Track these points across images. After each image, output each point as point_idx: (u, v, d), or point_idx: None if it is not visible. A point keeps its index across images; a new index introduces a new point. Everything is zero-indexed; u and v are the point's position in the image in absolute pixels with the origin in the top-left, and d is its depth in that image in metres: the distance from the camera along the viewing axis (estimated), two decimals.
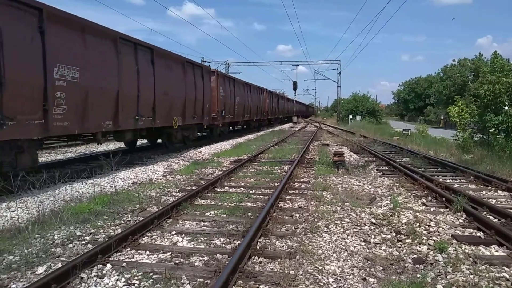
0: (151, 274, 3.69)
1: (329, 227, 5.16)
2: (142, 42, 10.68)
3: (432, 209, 6.20)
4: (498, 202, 6.74)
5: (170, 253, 4.24)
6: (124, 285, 3.47)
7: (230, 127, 23.69)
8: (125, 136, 10.62)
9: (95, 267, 3.76)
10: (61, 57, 7.32)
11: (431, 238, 4.77)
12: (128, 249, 4.31)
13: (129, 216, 5.69)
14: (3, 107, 6.12)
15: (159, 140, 14.46)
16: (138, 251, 4.27)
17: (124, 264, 3.87)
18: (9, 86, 6.18)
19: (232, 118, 20.87)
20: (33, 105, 6.75)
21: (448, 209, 6.11)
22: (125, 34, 9.79)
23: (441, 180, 8.37)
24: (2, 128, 6.07)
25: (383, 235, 4.92)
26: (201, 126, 16.01)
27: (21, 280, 3.54)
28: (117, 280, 3.54)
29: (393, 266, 3.99)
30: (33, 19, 6.70)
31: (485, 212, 5.84)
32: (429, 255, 4.25)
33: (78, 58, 7.82)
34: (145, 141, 15.22)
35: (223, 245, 4.54)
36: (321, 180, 8.48)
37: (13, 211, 5.58)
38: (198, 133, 16.72)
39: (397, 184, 8.12)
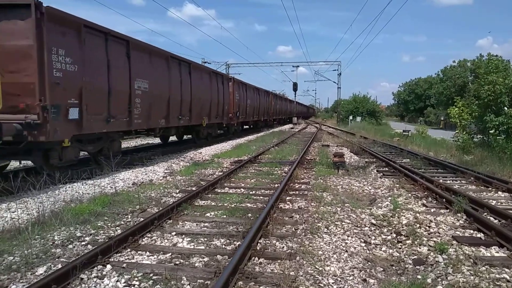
0: (151, 275, 3.68)
1: (329, 228, 5.16)
2: (184, 58, 13.86)
3: (432, 210, 6.19)
4: (499, 203, 6.73)
5: (170, 254, 4.24)
6: (124, 286, 3.46)
7: (241, 127, 26.31)
8: (171, 131, 14.12)
9: (95, 268, 3.76)
10: (138, 73, 10.27)
11: (431, 239, 4.76)
12: (128, 250, 4.31)
13: (129, 217, 5.69)
14: (110, 109, 9.01)
15: (185, 137, 17.57)
16: (138, 252, 4.27)
17: (124, 265, 3.87)
18: (113, 95, 9.07)
19: (244, 118, 24.27)
20: (123, 107, 9.73)
21: (448, 210, 6.11)
22: (173, 53, 12.95)
23: (441, 181, 8.36)
24: (108, 123, 9.04)
25: (384, 236, 4.92)
26: (221, 124, 19.42)
27: (21, 281, 3.54)
28: (117, 281, 3.54)
29: (394, 267, 3.99)
30: (123, 48, 9.71)
31: (486, 213, 5.83)
32: (429, 256, 4.24)
33: (147, 73, 10.78)
34: (164, 139, 16.89)
35: (223, 246, 4.54)
36: (321, 181, 8.48)
37: (13, 212, 5.58)
38: (218, 131, 19.86)
39: (397, 185, 8.12)
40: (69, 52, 7.59)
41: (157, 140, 17.25)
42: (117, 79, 9.22)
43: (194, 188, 7.54)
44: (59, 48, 7.33)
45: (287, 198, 6.80)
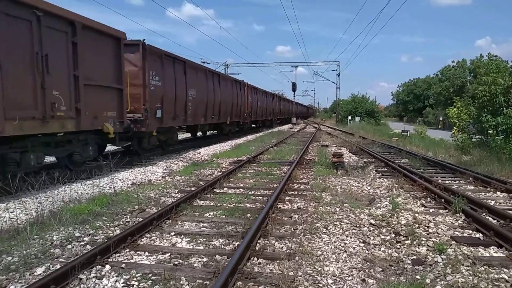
0: (150, 275, 3.68)
1: (328, 228, 5.16)
2: (215, 71, 19.37)
3: (431, 210, 6.20)
4: (497, 204, 6.75)
5: (169, 254, 4.24)
6: (123, 286, 3.46)
7: (251, 125, 29.95)
8: (206, 127, 18.65)
9: (94, 268, 3.76)
10: (190, 84, 14.46)
11: (430, 239, 4.77)
12: (127, 250, 4.30)
13: (128, 217, 5.69)
14: (176, 110, 13.08)
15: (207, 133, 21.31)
16: (137, 252, 4.26)
17: (123, 265, 3.86)
18: (177, 100, 13.15)
19: (255, 118, 28.31)
20: (182, 109, 13.80)
21: (447, 210, 6.11)
22: (209, 68, 19.29)
23: (440, 181, 8.38)
24: (174, 120, 13.05)
25: (382, 236, 4.92)
26: (239, 123, 23.41)
27: (19, 281, 3.53)
28: (116, 281, 3.53)
29: (392, 267, 3.99)
30: (182, 67, 13.81)
31: (484, 214, 5.84)
32: (428, 256, 4.25)
33: (195, 84, 15.01)
34: (188, 135, 20.46)
35: (222, 246, 4.54)
36: (320, 181, 8.48)
37: (11, 212, 5.58)
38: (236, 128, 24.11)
39: (396, 185, 8.13)
40: (157, 72, 11.48)
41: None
42: (179, 89, 13.33)
43: (193, 188, 7.53)
44: (153, 70, 11.19)
45: (286, 198, 6.80)
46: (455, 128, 15.18)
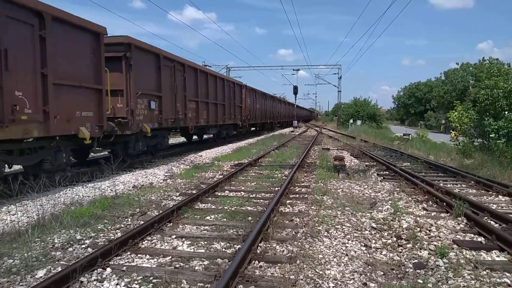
0: (151, 278, 3.67)
1: (330, 231, 5.15)
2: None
3: (433, 214, 6.19)
4: (499, 207, 6.73)
5: (170, 257, 4.23)
6: None
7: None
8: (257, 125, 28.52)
9: (95, 271, 3.75)
10: (253, 100, 25.88)
11: (432, 243, 4.75)
12: (128, 253, 4.30)
13: (129, 220, 5.69)
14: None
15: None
16: (138, 255, 4.26)
17: (124, 268, 3.86)
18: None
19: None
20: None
21: (449, 214, 6.10)
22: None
23: (441, 185, 8.35)
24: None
25: (384, 240, 4.91)
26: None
27: (20, 284, 3.53)
28: (117, 284, 3.53)
29: (394, 271, 3.98)
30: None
31: (486, 217, 5.82)
32: (430, 260, 4.23)
33: (256, 100, 27.22)
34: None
35: (223, 249, 4.53)
36: (322, 184, 8.47)
37: (13, 215, 5.59)
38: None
39: (398, 189, 8.11)
40: (250, 98, 23.67)
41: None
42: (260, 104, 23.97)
43: (194, 191, 7.53)
44: (249, 97, 23.20)
45: (288, 201, 6.80)
46: (452, 131, 15.16)
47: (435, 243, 4.75)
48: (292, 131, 36.59)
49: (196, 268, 3.98)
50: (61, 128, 7.52)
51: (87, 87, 8.26)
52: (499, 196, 7.59)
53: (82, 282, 3.54)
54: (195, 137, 19.33)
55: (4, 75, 6.16)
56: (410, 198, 7.26)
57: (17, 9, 6.45)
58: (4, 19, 6.21)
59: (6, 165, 6.92)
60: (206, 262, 4.11)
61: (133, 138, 10.64)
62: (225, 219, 5.74)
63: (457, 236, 5.06)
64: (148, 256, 4.24)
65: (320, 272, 3.85)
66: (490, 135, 13.57)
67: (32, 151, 7.34)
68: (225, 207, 6.41)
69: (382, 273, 3.91)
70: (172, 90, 12.59)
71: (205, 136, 20.58)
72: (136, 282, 3.59)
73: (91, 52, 8.39)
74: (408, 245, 4.70)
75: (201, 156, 13.71)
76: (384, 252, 4.49)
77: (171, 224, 5.43)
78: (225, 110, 19.53)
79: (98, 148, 9.81)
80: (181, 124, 13.61)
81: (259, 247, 4.45)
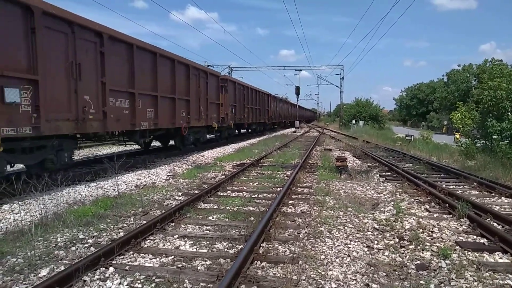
0: (153, 277, 3.69)
1: (332, 232, 5.15)
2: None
3: (435, 215, 6.17)
4: (502, 209, 6.71)
5: (172, 257, 4.24)
6: None
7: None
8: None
9: (98, 270, 3.77)
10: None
11: (434, 244, 4.75)
12: (131, 252, 4.31)
13: (132, 219, 5.70)
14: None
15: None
16: (141, 255, 4.27)
17: (127, 267, 3.87)
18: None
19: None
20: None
21: (451, 215, 6.08)
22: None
23: (444, 186, 8.34)
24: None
25: (386, 241, 4.90)
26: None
27: (24, 282, 3.55)
28: (120, 283, 3.54)
29: (396, 272, 3.97)
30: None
31: (489, 219, 5.81)
32: (432, 262, 4.23)
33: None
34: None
35: (226, 249, 4.54)
36: (324, 185, 8.47)
37: (16, 214, 5.61)
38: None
39: (400, 190, 8.10)
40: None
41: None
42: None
43: (196, 191, 7.54)
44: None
45: (290, 202, 6.80)
46: (456, 133, 15.12)
47: (437, 244, 4.74)
48: (294, 132, 36.57)
49: (199, 268, 3.99)
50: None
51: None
52: (502, 197, 7.57)
53: (85, 281, 3.55)
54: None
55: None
56: (412, 199, 7.25)
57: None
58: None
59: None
60: (208, 262, 4.11)
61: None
62: (227, 219, 5.75)
63: (460, 238, 5.05)
64: (150, 256, 4.25)
65: (323, 273, 3.85)
66: (493, 137, 13.53)
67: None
68: (228, 207, 6.42)
69: (384, 274, 3.91)
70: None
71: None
72: (138, 281, 3.60)
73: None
74: (411, 246, 4.69)
75: (203, 156, 13.73)
76: (386, 253, 4.49)
77: (173, 224, 5.44)
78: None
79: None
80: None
81: (261, 248, 4.46)
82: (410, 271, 4.01)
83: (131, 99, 9.88)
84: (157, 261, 4.14)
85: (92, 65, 8.37)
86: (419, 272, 3.97)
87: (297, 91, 44.40)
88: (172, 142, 15.34)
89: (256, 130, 29.51)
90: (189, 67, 13.65)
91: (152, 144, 15.06)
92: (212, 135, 18.97)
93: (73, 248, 4.43)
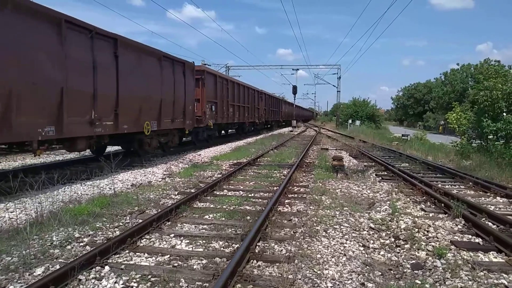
0: (149, 276, 3.68)
1: (328, 231, 5.16)
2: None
3: (431, 215, 6.20)
4: (497, 209, 6.75)
5: (168, 256, 4.23)
6: None
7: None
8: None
9: (94, 269, 3.75)
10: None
11: (429, 243, 4.77)
12: (127, 251, 4.30)
13: (128, 218, 5.68)
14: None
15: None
16: (137, 254, 4.26)
17: (123, 266, 3.86)
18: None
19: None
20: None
21: (447, 215, 6.11)
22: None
23: (440, 185, 8.38)
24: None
25: (382, 240, 4.92)
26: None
27: (19, 281, 3.53)
28: (115, 282, 3.53)
29: (392, 272, 3.99)
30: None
31: (484, 218, 5.84)
32: (427, 261, 4.25)
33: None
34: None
35: (222, 248, 4.53)
36: (320, 184, 8.48)
37: (11, 212, 5.58)
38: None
39: (396, 189, 8.13)
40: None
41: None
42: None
43: (193, 190, 7.53)
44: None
45: (286, 201, 6.80)
46: (458, 133, 15.18)
47: (433, 243, 4.76)
48: (291, 131, 36.59)
49: (195, 267, 3.98)
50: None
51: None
52: (497, 197, 7.62)
53: (80, 280, 3.54)
54: None
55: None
56: (408, 199, 7.27)
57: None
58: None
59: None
60: (204, 261, 4.11)
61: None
62: (223, 218, 5.74)
63: (455, 237, 5.07)
64: (146, 255, 4.24)
65: (318, 272, 3.85)
66: (489, 137, 13.61)
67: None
68: (224, 206, 6.41)
69: (380, 273, 3.92)
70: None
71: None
72: (134, 280, 3.59)
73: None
74: (406, 246, 4.71)
75: (200, 155, 13.71)
76: (382, 253, 4.50)
77: (169, 222, 5.44)
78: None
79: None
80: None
81: (257, 247, 4.46)
82: (405, 270, 4.03)
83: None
84: (153, 260, 4.13)
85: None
86: (415, 271, 3.99)
87: (294, 90, 44.41)
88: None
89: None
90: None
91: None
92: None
93: (69, 247, 4.41)
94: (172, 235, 4.92)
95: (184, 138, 16.26)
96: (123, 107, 9.51)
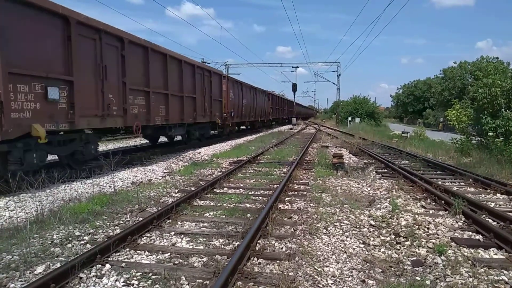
0: (150, 274, 3.68)
1: (328, 229, 5.16)
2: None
3: (431, 212, 6.21)
4: (497, 205, 6.75)
5: (169, 253, 4.24)
6: (123, 286, 3.46)
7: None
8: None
9: (94, 267, 3.76)
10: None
11: (430, 240, 4.77)
12: (127, 249, 4.30)
13: (128, 216, 5.69)
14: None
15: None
16: (137, 252, 4.26)
17: (123, 264, 3.86)
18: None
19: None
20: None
21: (447, 212, 6.11)
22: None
23: (440, 182, 8.37)
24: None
25: (382, 237, 4.92)
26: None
27: (19, 279, 3.53)
28: (116, 280, 3.53)
29: (392, 269, 3.99)
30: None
31: (484, 215, 5.84)
32: (428, 258, 4.25)
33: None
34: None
35: (222, 246, 4.54)
36: (320, 182, 8.48)
37: (11, 210, 5.58)
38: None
39: (396, 187, 8.13)
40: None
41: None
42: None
43: (193, 188, 7.53)
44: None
45: (286, 198, 6.80)
46: (457, 130, 15.16)
47: (433, 240, 4.77)
48: (291, 129, 36.60)
49: (195, 264, 3.98)
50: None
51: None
52: (497, 194, 7.62)
53: (81, 278, 3.54)
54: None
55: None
56: (408, 196, 7.28)
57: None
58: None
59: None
60: (205, 259, 4.11)
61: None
62: (224, 216, 5.75)
63: (455, 234, 5.08)
64: (147, 253, 4.24)
65: (319, 269, 3.86)
66: (488, 134, 13.60)
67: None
68: (224, 204, 6.41)
69: (380, 270, 3.93)
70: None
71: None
72: (135, 278, 3.60)
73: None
74: (407, 243, 4.71)
75: (200, 153, 13.71)
76: (382, 250, 4.51)
77: (170, 220, 5.44)
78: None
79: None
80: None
81: (258, 244, 4.46)
82: (406, 267, 4.03)
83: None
84: (153, 258, 4.13)
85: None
86: (415, 268, 4.00)
87: (294, 88, 44.43)
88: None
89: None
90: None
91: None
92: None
93: (69, 245, 4.41)
94: (173, 233, 4.92)
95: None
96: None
